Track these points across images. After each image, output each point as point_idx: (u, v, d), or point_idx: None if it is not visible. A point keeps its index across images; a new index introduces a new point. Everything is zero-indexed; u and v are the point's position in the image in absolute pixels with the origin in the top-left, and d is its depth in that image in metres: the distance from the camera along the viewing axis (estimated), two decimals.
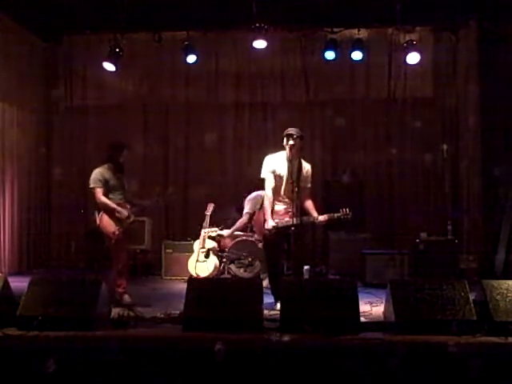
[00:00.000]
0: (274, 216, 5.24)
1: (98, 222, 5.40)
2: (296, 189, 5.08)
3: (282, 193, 5.27)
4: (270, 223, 5.15)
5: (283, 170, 5.26)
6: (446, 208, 7.65)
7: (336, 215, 5.17)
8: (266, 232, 5.23)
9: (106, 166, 5.57)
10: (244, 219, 6.88)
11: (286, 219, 5.11)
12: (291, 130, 5.22)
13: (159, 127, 8.77)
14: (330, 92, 8.40)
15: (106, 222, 5.38)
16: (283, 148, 5.29)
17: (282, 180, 5.26)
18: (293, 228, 5.00)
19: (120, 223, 5.40)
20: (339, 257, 7.24)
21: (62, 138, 8.74)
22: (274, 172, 5.29)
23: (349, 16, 7.57)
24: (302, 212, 5.25)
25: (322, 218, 5.18)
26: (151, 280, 7.38)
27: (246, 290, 4.33)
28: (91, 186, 5.44)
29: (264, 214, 5.34)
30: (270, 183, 5.30)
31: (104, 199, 5.39)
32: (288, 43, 8.29)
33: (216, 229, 7.12)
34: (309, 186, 5.40)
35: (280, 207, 5.27)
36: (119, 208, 5.43)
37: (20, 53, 7.94)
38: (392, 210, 8.32)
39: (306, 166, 5.38)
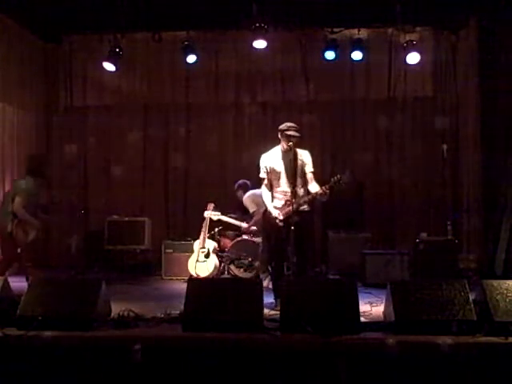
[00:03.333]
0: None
1: (9, 228, 5.50)
2: (293, 181, 5.15)
3: (283, 186, 5.28)
4: (274, 212, 5.21)
5: (279, 165, 5.31)
6: (446, 208, 7.65)
7: (329, 185, 5.12)
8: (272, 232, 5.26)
9: (33, 178, 5.70)
10: (258, 216, 6.83)
11: (287, 208, 5.14)
12: (292, 128, 5.22)
13: (159, 127, 8.77)
14: (330, 92, 8.41)
15: (20, 231, 5.47)
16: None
17: (280, 174, 5.30)
18: (293, 228, 5.01)
19: (28, 234, 5.55)
20: (339, 257, 7.23)
21: (61, 138, 8.75)
22: (271, 169, 5.33)
23: (349, 16, 7.58)
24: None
25: (319, 191, 5.14)
26: (151, 280, 7.38)
27: (246, 289, 4.33)
28: (21, 195, 5.54)
29: (264, 212, 5.36)
30: (266, 181, 5.38)
31: (24, 211, 5.49)
32: (288, 43, 8.30)
33: (219, 213, 7.09)
34: (311, 170, 5.38)
35: (281, 202, 5.27)
36: (34, 221, 5.58)
37: (20, 53, 7.94)
38: (392, 210, 8.33)
39: (302, 153, 5.38)
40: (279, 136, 5.31)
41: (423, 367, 3.69)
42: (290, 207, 5.05)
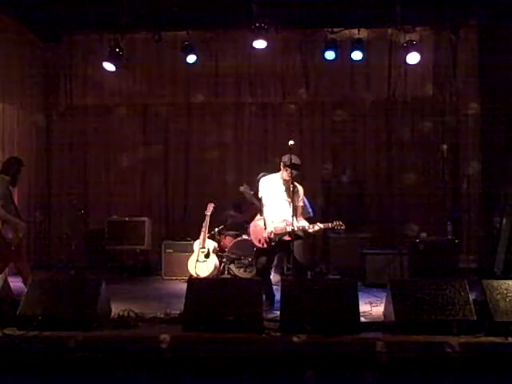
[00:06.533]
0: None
1: None
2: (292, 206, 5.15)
3: (280, 213, 5.24)
4: (270, 228, 5.17)
5: (277, 193, 5.29)
6: (445, 208, 7.65)
7: (330, 225, 5.14)
8: (262, 244, 5.26)
9: (6, 178, 5.60)
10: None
11: (283, 225, 5.13)
12: (295, 166, 5.16)
13: (159, 127, 8.78)
14: (330, 92, 8.41)
15: (9, 229, 5.40)
16: (282, 153, 5.31)
17: (276, 201, 5.28)
18: (295, 238, 5.00)
19: (19, 232, 5.46)
20: (339, 257, 7.24)
21: (62, 138, 8.76)
22: (270, 193, 5.33)
23: (349, 16, 7.57)
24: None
25: (316, 227, 5.15)
26: (151, 280, 7.38)
27: (246, 289, 4.33)
28: None
29: (259, 226, 5.35)
30: (266, 201, 5.35)
31: (3, 211, 5.41)
32: (288, 43, 8.30)
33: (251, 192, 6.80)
34: (301, 204, 5.43)
35: (280, 225, 5.23)
36: (17, 220, 5.51)
37: (20, 53, 7.95)
38: (392, 210, 8.32)
39: (299, 187, 5.42)
40: (281, 166, 5.27)
41: (423, 367, 3.69)
42: (285, 227, 5.05)
